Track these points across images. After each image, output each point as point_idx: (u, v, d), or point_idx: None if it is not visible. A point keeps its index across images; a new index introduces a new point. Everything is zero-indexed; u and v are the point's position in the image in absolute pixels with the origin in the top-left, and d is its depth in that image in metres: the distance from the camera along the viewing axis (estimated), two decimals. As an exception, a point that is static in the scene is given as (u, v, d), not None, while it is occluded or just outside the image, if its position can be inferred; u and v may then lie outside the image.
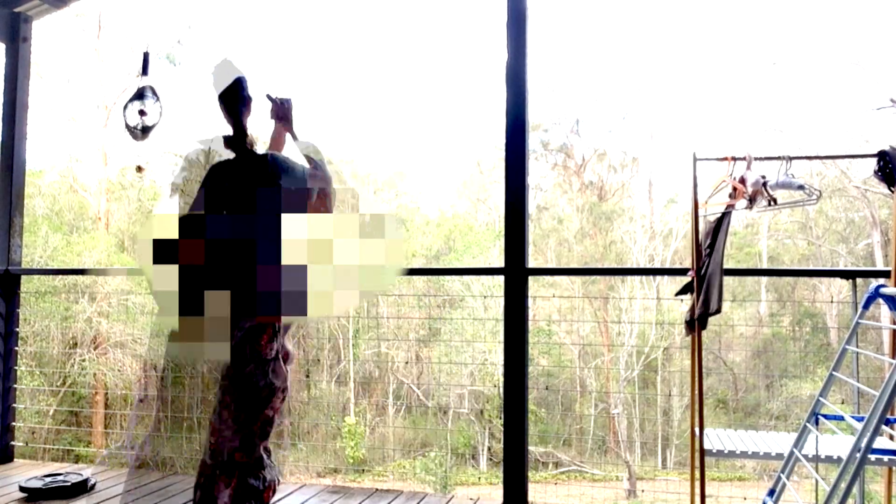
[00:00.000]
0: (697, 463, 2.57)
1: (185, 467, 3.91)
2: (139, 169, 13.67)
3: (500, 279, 2.98)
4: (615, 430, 13.62)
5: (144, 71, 3.36)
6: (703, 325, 2.61)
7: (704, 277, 2.57)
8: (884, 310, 2.90)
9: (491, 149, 16.52)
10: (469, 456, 13.29)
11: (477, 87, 17.72)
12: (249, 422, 2.18)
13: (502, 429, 2.82)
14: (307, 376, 14.34)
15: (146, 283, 2.19)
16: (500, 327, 2.99)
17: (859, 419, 1.92)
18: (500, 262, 2.99)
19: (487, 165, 16.95)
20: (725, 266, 2.61)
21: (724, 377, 13.68)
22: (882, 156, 2.52)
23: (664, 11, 16.69)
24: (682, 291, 2.72)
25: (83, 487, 3.16)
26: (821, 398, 2.19)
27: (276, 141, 2.51)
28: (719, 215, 2.59)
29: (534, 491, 3.36)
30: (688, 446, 3.93)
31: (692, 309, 2.61)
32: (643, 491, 12.28)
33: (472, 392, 13.30)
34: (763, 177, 2.53)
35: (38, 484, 3.11)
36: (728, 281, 2.75)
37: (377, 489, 3.27)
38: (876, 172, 2.56)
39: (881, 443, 2.33)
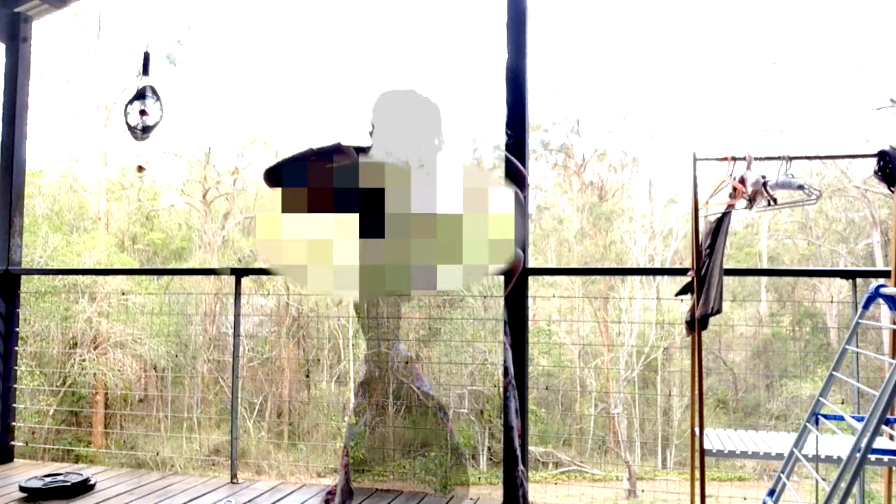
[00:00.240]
0: (697, 463, 2.57)
1: (185, 467, 3.92)
2: (140, 169, 13.68)
3: (500, 279, 2.98)
4: (615, 430, 13.62)
5: (145, 71, 3.37)
6: (704, 326, 2.61)
7: (704, 277, 2.57)
8: (884, 310, 2.89)
9: (491, 149, 16.53)
10: (469, 456, 13.29)
11: (477, 87, 17.71)
12: None
13: (502, 429, 2.82)
14: (307, 376, 14.36)
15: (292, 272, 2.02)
16: (500, 327, 2.99)
17: (859, 419, 1.92)
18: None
19: (487, 165, 16.95)
20: (725, 266, 2.61)
21: (724, 377, 13.69)
22: (882, 156, 2.52)
23: (664, 11, 16.71)
24: (682, 291, 2.72)
25: (83, 487, 3.16)
26: (821, 398, 2.19)
27: None
28: (719, 215, 2.59)
29: (534, 491, 3.36)
30: (688, 446, 3.93)
31: (692, 309, 2.61)
32: (643, 491, 12.29)
33: (472, 392, 13.29)
34: (763, 177, 2.53)
35: (38, 484, 3.11)
36: (728, 281, 2.75)
37: (377, 489, 3.27)
38: (876, 172, 2.55)
39: (881, 443, 2.33)
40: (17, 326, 3.86)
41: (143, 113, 3.29)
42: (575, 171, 16.95)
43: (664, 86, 16.60)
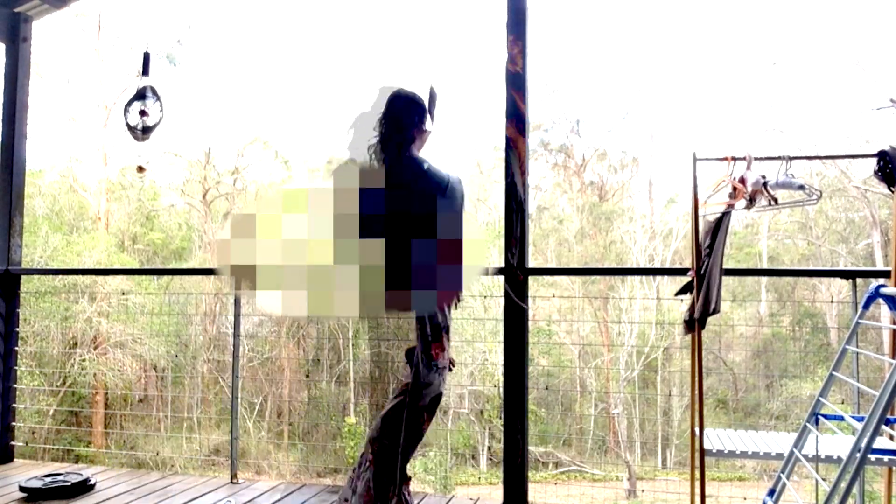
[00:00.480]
0: (697, 463, 2.57)
1: (185, 467, 3.92)
2: (140, 169, 13.69)
3: (500, 279, 2.98)
4: (615, 430, 13.62)
5: (145, 71, 3.37)
6: (703, 325, 2.61)
7: (704, 277, 2.57)
8: (884, 310, 2.89)
9: (491, 149, 16.53)
10: (469, 456, 13.29)
11: (477, 87, 17.71)
12: None
13: (502, 429, 2.82)
14: (307, 376, 14.34)
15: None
16: (500, 327, 2.98)
17: (859, 419, 1.92)
18: (500, 262, 2.99)
19: (487, 165, 16.95)
20: (725, 266, 2.61)
21: (724, 377, 13.69)
22: (882, 156, 2.52)
23: (664, 11, 16.71)
24: (682, 291, 2.72)
25: (83, 487, 3.16)
26: (821, 398, 2.19)
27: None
28: (719, 215, 2.59)
29: (534, 491, 3.36)
30: (688, 446, 3.93)
31: (692, 308, 2.61)
32: (643, 491, 12.29)
33: (472, 392, 13.30)
34: (763, 177, 2.53)
35: (38, 484, 3.11)
36: (728, 281, 2.76)
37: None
38: (876, 172, 2.55)
39: (881, 443, 2.33)
40: (17, 326, 3.86)
41: (143, 113, 3.29)
42: (575, 171, 16.95)
43: (664, 86, 16.61)
